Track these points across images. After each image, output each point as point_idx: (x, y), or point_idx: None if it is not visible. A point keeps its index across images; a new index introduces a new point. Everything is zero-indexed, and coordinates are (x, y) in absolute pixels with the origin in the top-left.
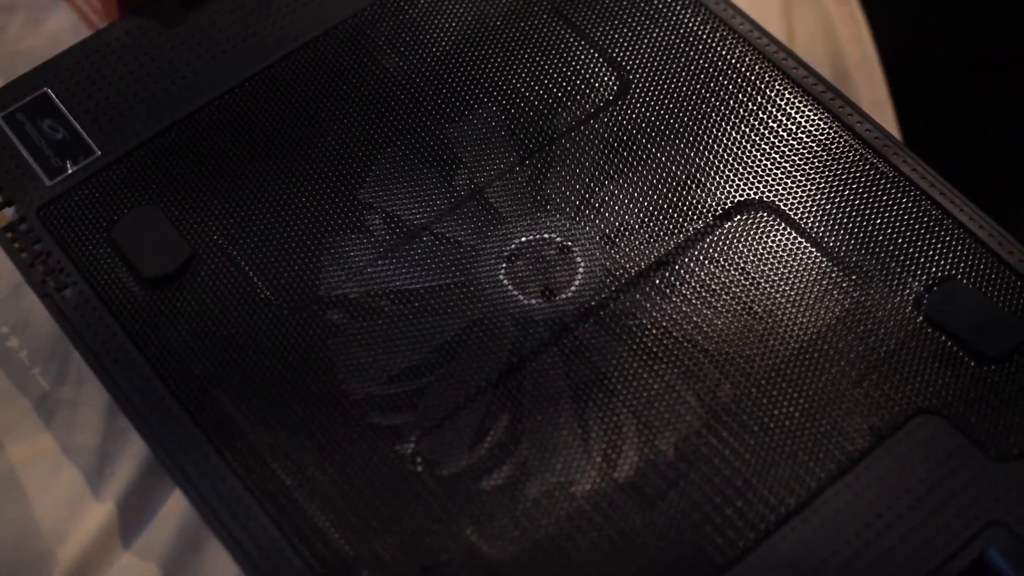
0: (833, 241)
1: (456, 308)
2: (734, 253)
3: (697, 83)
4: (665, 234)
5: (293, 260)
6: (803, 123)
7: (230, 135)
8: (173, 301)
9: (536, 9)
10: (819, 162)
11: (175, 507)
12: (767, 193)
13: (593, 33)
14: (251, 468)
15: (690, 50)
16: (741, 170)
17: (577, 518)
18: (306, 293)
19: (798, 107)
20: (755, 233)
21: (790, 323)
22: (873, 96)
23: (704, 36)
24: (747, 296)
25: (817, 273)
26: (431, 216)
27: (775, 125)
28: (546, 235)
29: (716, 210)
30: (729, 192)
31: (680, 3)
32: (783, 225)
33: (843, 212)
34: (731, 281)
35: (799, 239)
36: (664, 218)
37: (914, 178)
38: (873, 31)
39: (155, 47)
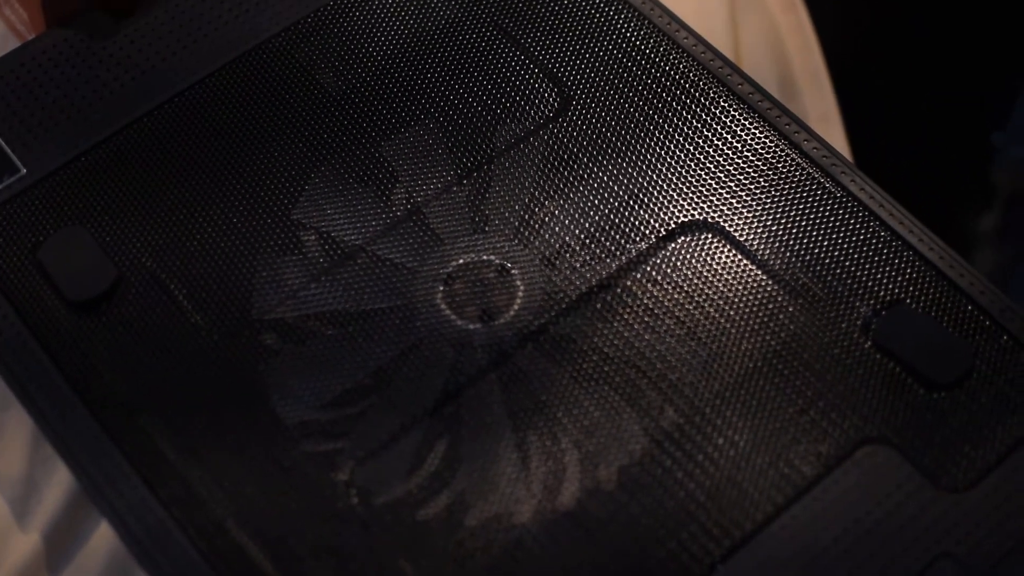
0: (779, 264)
1: (392, 332)
2: (677, 276)
3: (640, 100)
4: (607, 256)
5: (224, 283)
6: (749, 142)
7: (160, 153)
8: (100, 325)
9: (475, 23)
10: (765, 182)
11: (104, 538)
12: (712, 214)
13: (534, 48)
14: (179, 499)
15: (633, 66)
16: (685, 190)
17: (516, 550)
18: (238, 317)
19: (744, 125)
20: (699, 255)
21: (735, 348)
22: (821, 108)
23: (647, 51)
24: (691, 320)
25: (763, 297)
26: (367, 236)
27: (720, 143)
28: (485, 256)
29: (659, 231)
30: (673, 212)
31: (623, 17)
32: (728, 247)
33: (790, 234)
34: (674, 305)
35: (744, 261)
36: (606, 239)
37: (862, 198)
38: (821, 41)
39: (83, 60)
